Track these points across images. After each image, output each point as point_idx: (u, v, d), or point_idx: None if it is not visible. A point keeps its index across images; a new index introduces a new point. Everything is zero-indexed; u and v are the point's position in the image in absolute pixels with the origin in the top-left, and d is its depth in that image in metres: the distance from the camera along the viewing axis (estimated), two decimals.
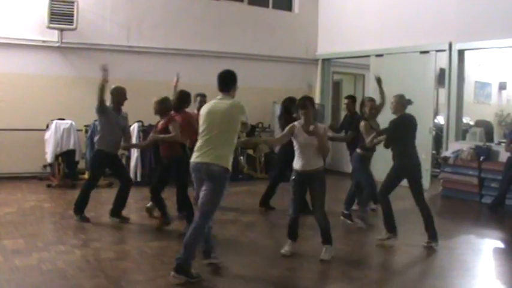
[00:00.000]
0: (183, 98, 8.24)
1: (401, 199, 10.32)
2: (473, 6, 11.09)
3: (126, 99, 8.12)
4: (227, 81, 6.25)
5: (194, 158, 5.72)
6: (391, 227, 7.15)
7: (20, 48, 11.22)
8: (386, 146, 7.25)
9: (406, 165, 7.21)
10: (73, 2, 11.07)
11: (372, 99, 8.72)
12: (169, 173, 7.71)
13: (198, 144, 5.77)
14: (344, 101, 9.86)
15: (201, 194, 5.64)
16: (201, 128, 5.81)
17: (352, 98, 9.79)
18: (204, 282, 5.55)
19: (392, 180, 7.27)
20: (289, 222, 6.62)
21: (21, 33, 11.20)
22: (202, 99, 9.14)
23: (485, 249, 7.66)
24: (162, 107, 7.74)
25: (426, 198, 11.05)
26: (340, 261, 6.59)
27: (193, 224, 5.65)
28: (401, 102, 7.34)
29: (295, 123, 6.50)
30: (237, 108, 5.87)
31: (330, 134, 8.11)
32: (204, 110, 5.96)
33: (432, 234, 7.06)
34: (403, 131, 7.19)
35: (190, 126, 7.82)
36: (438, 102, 13.76)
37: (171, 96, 8.46)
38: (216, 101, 6.01)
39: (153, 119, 10.46)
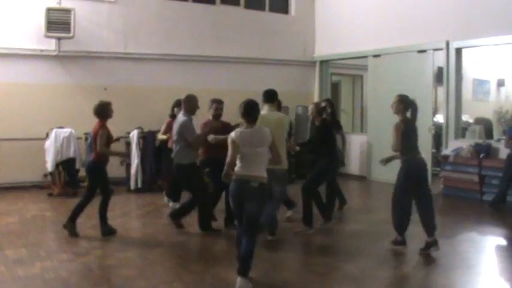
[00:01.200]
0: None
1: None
2: (469, 4, 11.10)
3: (198, 107, 7.89)
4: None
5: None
6: None
7: (17, 57, 11.23)
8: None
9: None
10: (70, 10, 11.07)
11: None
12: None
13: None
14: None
15: None
16: None
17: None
18: None
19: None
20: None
21: (18, 43, 11.21)
22: (219, 105, 8.83)
23: (487, 247, 7.67)
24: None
25: None
26: (341, 259, 6.59)
27: None
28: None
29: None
30: None
31: None
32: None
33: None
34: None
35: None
36: (437, 101, 13.76)
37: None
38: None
39: (152, 125, 10.54)
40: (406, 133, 6.88)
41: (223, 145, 6.23)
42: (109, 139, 7.76)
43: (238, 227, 5.90)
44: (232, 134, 5.63)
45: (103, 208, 7.75)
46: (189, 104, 7.77)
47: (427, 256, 6.79)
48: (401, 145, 6.83)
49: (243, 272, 5.48)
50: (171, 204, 9.26)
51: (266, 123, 6.51)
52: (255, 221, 5.59)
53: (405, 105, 7.01)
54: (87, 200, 7.74)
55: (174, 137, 7.78)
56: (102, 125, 7.70)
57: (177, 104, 9.06)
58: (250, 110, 5.68)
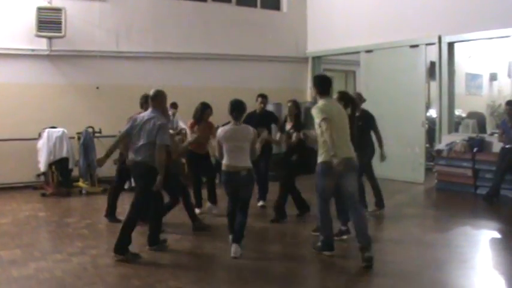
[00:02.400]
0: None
1: (398, 193, 10.38)
2: None
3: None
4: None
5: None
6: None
7: (8, 57, 11.16)
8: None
9: None
10: (61, 10, 11.01)
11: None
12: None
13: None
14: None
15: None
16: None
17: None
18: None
19: None
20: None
21: (9, 43, 11.14)
22: (264, 100, 9.45)
23: (482, 240, 7.69)
24: None
25: (421, 191, 11.22)
26: (336, 256, 6.59)
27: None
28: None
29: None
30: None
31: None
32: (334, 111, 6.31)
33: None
34: None
35: None
36: (430, 96, 13.78)
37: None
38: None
39: None
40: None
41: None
42: None
43: (231, 205, 6.80)
44: (218, 132, 6.71)
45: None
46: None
47: (421, 250, 6.80)
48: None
49: (238, 239, 6.48)
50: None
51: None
52: (248, 200, 6.66)
53: (345, 101, 6.97)
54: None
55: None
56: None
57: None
58: (235, 109, 6.60)
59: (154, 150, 6.37)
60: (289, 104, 8.67)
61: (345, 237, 7.16)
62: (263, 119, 9.02)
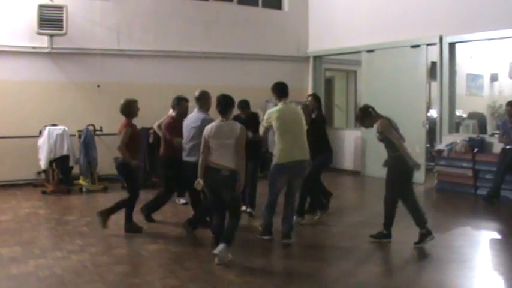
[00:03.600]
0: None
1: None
2: None
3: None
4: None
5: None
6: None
7: (10, 55, 11.17)
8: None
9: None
10: (62, 7, 11.01)
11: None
12: None
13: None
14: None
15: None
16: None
17: None
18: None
19: None
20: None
21: (10, 40, 11.15)
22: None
23: (482, 241, 7.69)
24: None
25: (422, 192, 11.21)
26: (337, 257, 6.60)
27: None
28: None
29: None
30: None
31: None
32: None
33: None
34: None
35: None
36: (430, 96, 13.79)
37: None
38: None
39: (146, 122, 10.50)
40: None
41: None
42: (134, 138, 7.59)
43: (216, 220, 6.69)
44: (206, 128, 6.43)
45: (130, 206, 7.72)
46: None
47: (421, 250, 6.81)
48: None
49: (225, 239, 6.24)
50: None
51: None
52: (236, 203, 6.42)
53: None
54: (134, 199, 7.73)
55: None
56: (128, 123, 7.58)
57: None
58: (219, 104, 6.42)
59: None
60: (309, 98, 8.89)
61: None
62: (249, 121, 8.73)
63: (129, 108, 7.62)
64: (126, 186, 7.90)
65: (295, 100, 10.42)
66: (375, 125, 7.15)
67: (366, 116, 7.22)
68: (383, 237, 7.08)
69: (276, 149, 7.00)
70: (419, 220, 6.95)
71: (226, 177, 6.23)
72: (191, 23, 13.10)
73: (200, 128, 6.75)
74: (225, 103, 6.44)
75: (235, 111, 7.73)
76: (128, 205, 7.67)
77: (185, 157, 7.33)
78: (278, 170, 7.00)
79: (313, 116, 8.42)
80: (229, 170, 6.21)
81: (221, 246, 6.16)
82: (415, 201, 7.10)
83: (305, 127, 7.31)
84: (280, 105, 7.16)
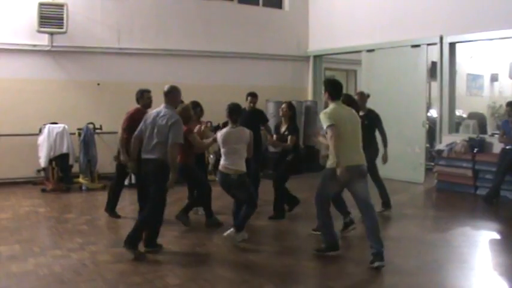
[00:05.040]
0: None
1: (398, 193, 10.38)
2: None
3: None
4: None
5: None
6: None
7: (10, 53, 11.16)
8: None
9: None
10: (63, 6, 11.01)
11: None
12: None
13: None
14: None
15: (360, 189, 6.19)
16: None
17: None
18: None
19: None
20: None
21: (11, 38, 11.14)
22: (253, 99, 9.23)
23: (481, 241, 7.68)
24: None
25: (421, 192, 11.21)
26: (337, 257, 6.60)
27: None
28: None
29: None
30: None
31: None
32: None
33: None
34: None
35: None
36: (431, 96, 13.79)
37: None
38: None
39: None
40: None
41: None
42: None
43: (235, 204, 7.27)
44: (217, 134, 7.02)
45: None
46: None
47: (421, 250, 6.81)
48: None
49: (237, 225, 6.97)
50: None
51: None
52: (249, 198, 6.97)
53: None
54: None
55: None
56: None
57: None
58: (232, 112, 6.96)
59: (167, 148, 6.30)
60: (283, 106, 8.60)
61: (351, 228, 7.35)
62: (251, 118, 8.76)
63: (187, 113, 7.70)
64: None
65: (294, 100, 10.48)
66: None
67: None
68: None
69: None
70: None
71: (235, 181, 6.88)
72: (191, 22, 13.10)
73: (166, 127, 6.36)
74: (238, 111, 7.05)
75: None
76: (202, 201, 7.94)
77: (146, 155, 6.53)
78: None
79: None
80: (238, 174, 6.85)
81: (232, 231, 7.03)
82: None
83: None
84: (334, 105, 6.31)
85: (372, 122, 8.54)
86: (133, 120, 7.62)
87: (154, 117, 6.54)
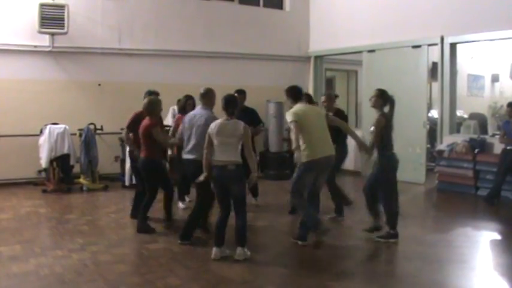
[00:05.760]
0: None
1: (399, 193, 10.36)
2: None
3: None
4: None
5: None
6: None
7: (11, 53, 11.17)
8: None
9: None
10: (63, 6, 11.02)
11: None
12: None
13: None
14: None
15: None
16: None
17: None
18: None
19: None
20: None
21: (12, 39, 11.15)
22: (241, 96, 9.17)
23: (482, 241, 7.68)
24: None
25: (422, 192, 11.21)
26: (336, 256, 6.60)
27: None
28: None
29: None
30: None
31: None
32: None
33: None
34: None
35: None
36: (431, 96, 13.79)
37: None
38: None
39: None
40: (386, 128, 7.04)
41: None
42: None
43: (222, 213, 6.52)
44: (210, 125, 6.48)
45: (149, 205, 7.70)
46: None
47: (422, 250, 6.81)
48: (381, 140, 7.02)
49: (242, 243, 6.36)
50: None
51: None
52: (243, 199, 6.44)
53: (384, 100, 7.13)
54: (153, 198, 7.68)
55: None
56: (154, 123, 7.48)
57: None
58: (228, 104, 6.44)
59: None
60: (322, 98, 8.97)
61: (392, 240, 7.12)
62: (242, 117, 8.71)
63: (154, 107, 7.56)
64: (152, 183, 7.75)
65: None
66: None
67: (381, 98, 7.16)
68: (390, 237, 7.08)
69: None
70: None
71: (233, 172, 6.30)
72: (192, 23, 13.10)
73: (204, 127, 6.70)
74: (234, 103, 6.54)
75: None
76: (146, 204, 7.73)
77: (185, 155, 7.14)
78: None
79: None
80: (235, 165, 6.30)
81: (239, 250, 6.34)
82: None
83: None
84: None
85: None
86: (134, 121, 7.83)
87: (191, 119, 7.06)
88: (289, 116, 6.77)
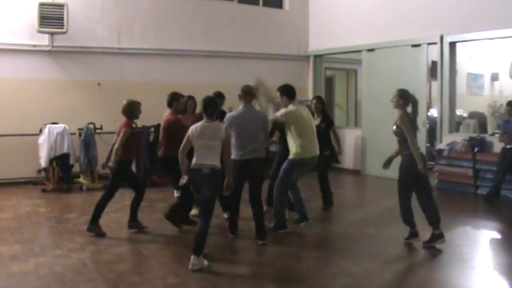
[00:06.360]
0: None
1: (397, 193, 10.36)
2: None
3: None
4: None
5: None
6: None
7: (10, 53, 11.17)
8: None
9: None
10: (63, 6, 11.02)
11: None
12: None
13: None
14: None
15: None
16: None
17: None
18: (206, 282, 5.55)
19: None
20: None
21: (11, 38, 11.15)
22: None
23: (482, 241, 7.69)
24: None
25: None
26: (337, 255, 6.60)
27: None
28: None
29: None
30: None
31: None
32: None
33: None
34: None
35: None
36: (431, 95, 13.78)
37: None
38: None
39: (146, 120, 10.50)
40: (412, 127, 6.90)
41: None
42: (134, 138, 7.55)
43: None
44: (190, 128, 6.31)
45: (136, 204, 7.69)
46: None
47: (421, 249, 6.81)
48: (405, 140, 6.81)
49: (195, 250, 5.97)
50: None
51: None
52: (209, 204, 6.13)
53: (405, 100, 6.95)
54: (108, 198, 7.59)
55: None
56: (128, 124, 7.42)
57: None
58: (210, 106, 6.29)
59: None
60: (313, 100, 9.31)
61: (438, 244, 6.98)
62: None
63: (131, 110, 7.52)
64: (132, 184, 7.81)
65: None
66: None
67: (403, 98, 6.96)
68: (437, 238, 6.95)
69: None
70: (431, 219, 6.93)
71: (207, 175, 6.08)
72: (191, 22, 13.10)
73: (265, 123, 7.25)
74: (215, 105, 6.40)
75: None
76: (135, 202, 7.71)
77: (256, 155, 7.01)
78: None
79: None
80: (210, 168, 6.08)
81: (193, 258, 5.96)
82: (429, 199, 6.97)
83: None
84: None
85: (328, 126, 9.11)
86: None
87: (243, 118, 7.10)
88: (281, 115, 7.44)
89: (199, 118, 6.75)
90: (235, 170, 6.63)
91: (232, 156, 6.75)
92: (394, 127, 6.93)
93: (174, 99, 7.98)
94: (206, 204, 6.12)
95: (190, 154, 6.31)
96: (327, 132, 8.96)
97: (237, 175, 6.77)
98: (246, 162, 6.98)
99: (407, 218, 7.01)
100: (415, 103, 7.04)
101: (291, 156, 7.44)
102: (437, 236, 6.88)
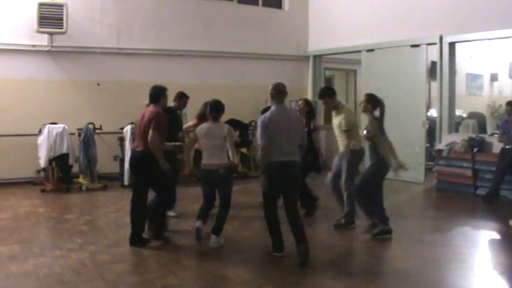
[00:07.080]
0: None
1: (398, 192, 10.38)
2: None
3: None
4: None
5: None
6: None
7: (10, 53, 11.16)
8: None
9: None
10: (62, 6, 11.01)
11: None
12: None
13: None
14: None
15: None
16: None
17: None
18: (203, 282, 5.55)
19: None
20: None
21: (10, 38, 11.13)
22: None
23: (481, 241, 7.69)
24: None
25: (421, 191, 11.20)
26: (335, 256, 6.60)
27: None
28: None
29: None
30: None
31: None
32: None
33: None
34: None
35: None
36: (430, 96, 13.79)
37: None
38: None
39: None
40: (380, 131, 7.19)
41: None
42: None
43: (205, 206, 7.11)
44: (198, 127, 7.18)
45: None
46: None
47: (420, 250, 6.81)
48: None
49: (216, 231, 6.86)
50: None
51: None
52: (228, 197, 6.98)
53: (373, 104, 7.22)
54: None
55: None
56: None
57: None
58: (215, 109, 6.98)
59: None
60: (299, 102, 8.85)
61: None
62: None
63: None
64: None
65: (294, 100, 10.50)
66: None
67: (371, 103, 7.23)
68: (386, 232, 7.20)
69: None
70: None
71: (222, 175, 6.85)
72: (191, 22, 13.10)
73: (300, 123, 6.65)
74: (220, 108, 7.04)
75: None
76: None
77: (291, 157, 6.29)
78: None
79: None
80: (224, 168, 6.86)
81: (214, 238, 6.83)
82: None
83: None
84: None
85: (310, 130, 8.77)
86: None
87: (281, 119, 6.29)
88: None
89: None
90: (269, 174, 6.22)
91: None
92: (365, 132, 7.21)
93: (162, 95, 7.42)
94: (226, 198, 6.95)
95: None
96: (309, 137, 8.23)
97: (272, 181, 6.23)
98: (284, 164, 6.20)
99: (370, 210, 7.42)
100: (382, 107, 7.23)
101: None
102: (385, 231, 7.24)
